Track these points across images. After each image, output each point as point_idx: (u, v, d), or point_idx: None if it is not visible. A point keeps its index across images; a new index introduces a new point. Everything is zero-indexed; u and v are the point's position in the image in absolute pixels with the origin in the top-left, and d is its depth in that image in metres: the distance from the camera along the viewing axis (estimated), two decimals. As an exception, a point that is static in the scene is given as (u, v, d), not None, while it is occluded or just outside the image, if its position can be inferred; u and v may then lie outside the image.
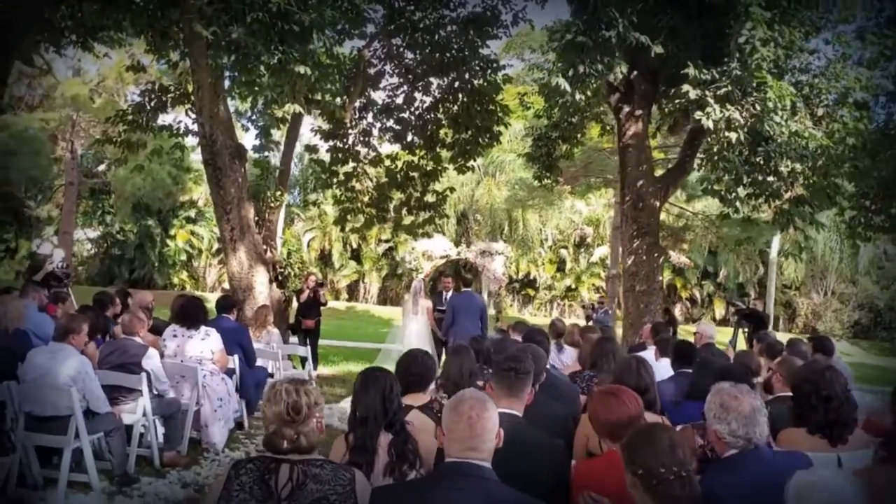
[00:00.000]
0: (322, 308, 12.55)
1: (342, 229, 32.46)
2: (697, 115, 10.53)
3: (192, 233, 33.64)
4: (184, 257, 33.87)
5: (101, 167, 30.17)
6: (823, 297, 33.72)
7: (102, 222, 32.36)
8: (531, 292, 36.35)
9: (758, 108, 10.68)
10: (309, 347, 11.28)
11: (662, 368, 5.88)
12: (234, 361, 7.71)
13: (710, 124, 10.49)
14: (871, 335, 33.15)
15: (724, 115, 10.54)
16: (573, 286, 35.64)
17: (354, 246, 35.71)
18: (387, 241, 33.78)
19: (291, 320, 12.61)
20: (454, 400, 2.55)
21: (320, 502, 2.47)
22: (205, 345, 7.09)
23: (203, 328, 7.22)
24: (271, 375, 8.87)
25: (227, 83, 12.20)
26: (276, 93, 11.55)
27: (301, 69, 10.79)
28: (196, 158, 28.16)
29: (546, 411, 3.80)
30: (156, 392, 6.34)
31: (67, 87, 24.91)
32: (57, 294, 8.17)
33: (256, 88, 11.70)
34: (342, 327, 25.22)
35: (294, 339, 12.17)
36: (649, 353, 6.70)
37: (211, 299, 20.50)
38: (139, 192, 26.83)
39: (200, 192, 33.03)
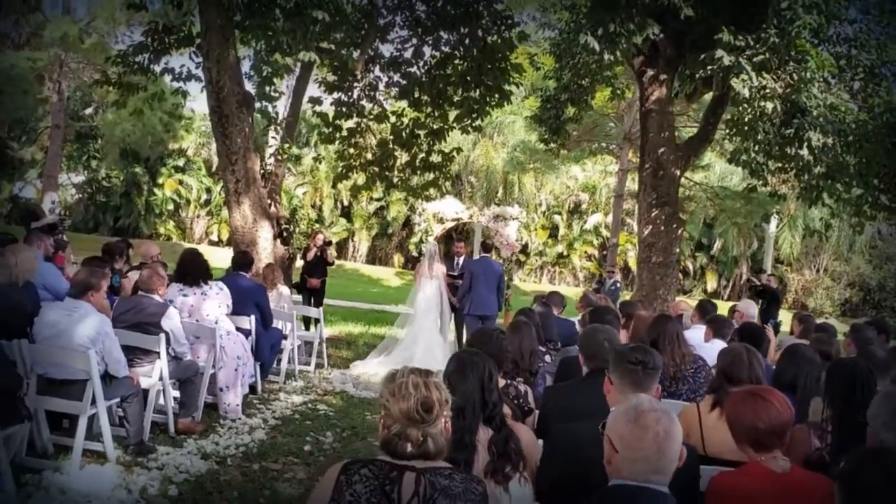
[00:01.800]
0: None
1: (333, 186, 32.10)
2: (734, 82, 10.07)
3: (181, 182, 32.84)
4: (171, 207, 33.09)
5: (89, 110, 29.19)
6: (815, 274, 33.69)
7: (88, 167, 31.43)
8: (522, 258, 36.00)
9: (795, 77, 10.25)
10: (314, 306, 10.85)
11: (714, 351, 5.47)
12: (251, 322, 7.24)
13: (746, 92, 10.04)
14: (860, 313, 33.18)
15: (760, 83, 10.10)
16: (565, 253, 35.32)
17: (345, 203, 35.09)
18: (378, 199, 33.14)
19: (295, 279, 12.13)
20: (632, 410, 2.08)
21: (451, 523, 2.03)
22: (220, 299, 6.60)
23: (214, 283, 6.74)
24: (285, 337, 8.42)
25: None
26: (290, 38, 10.95)
27: (318, 14, 10.21)
28: (188, 106, 27.34)
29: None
30: (173, 354, 5.86)
31: (56, 25, 23.86)
32: (58, 241, 7.61)
33: (270, 33, 11.08)
34: (332, 286, 24.72)
35: (298, 297, 11.71)
36: (696, 334, 6.30)
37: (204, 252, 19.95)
38: (128, 138, 25.93)
39: (191, 141, 32.18)
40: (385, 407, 2.13)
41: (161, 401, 5.94)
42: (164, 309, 5.73)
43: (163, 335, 5.63)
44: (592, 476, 2.35)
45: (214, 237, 33.80)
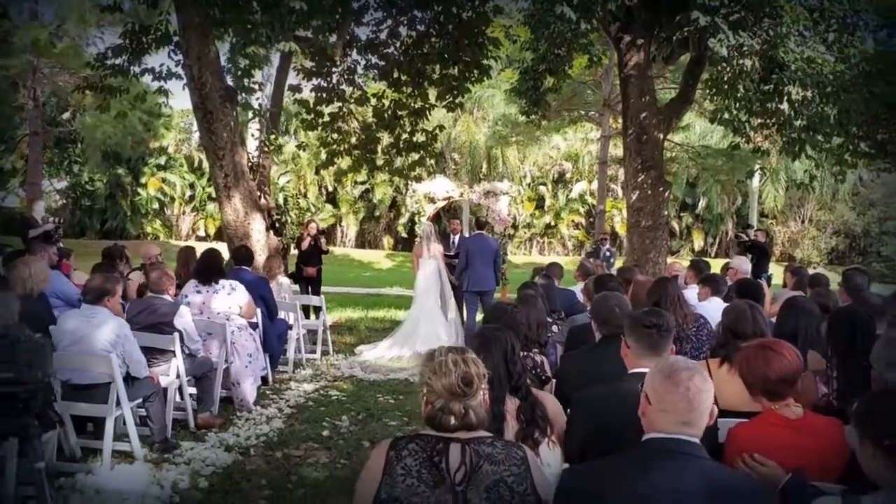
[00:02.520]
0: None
1: (317, 173, 32.07)
2: (711, 42, 10.18)
3: (164, 180, 32.71)
4: (156, 206, 32.99)
5: (66, 115, 28.95)
6: (801, 225, 34.06)
7: (70, 172, 31.24)
8: (511, 231, 36.16)
9: (771, 33, 10.37)
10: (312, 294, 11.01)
11: (712, 309, 5.65)
12: (258, 315, 7.37)
13: (724, 51, 10.16)
14: (847, 261, 33.61)
15: (737, 41, 10.22)
16: (552, 223, 35.51)
17: (330, 189, 35.07)
18: (363, 183, 33.12)
19: (291, 269, 12.25)
20: (666, 367, 2.24)
21: (498, 486, 2.18)
22: (231, 300, 6.76)
23: (226, 282, 6.87)
24: (290, 327, 8.55)
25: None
26: (269, 30, 10.98)
27: (295, 3, 10.22)
28: (159, 100, 27.09)
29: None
30: (187, 352, 5.99)
31: (25, 31, 23.59)
32: (61, 250, 7.69)
33: (249, 26, 11.09)
34: (324, 272, 24.80)
35: (296, 287, 11.83)
36: (691, 293, 6.47)
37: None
38: (109, 141, 25.80)
39: (171, 138, 32.01)
40: (427, 384, 2.27)
41: (179, 398, 6.09)
42: (175, 308, 5.86)
43: (176, 334, 5.76)
44: (617, 435, 2.50)
45: (201, 233, 33.75)
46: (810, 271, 9.62)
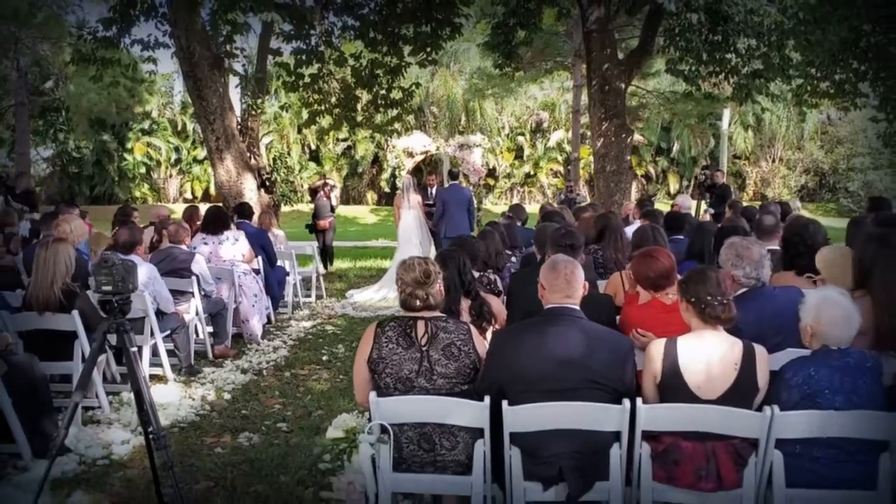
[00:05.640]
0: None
1: (299, 132, 32.74)
2: (659, -2, 11.05)
3: (149, 144, 33.30)
4: (143, 170, 33.63)
5: (49, 84, 29.36)
6: (771, 165, 35.17)
7: (55, 140, 31.75)
8: (491, 182, 37.08)
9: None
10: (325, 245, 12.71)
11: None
12: (259, 262, 8.36)
13: (673, 7, 11.04)
14: (817, 198, 34.90)
15: (684, -5, 11.10)
16: (532, 173, 36.42)
17: (313, 148, 35.75)
18: (344, 140, 33.81)
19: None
20: (550, 262, 3.31)
21: (449, 347, 3.24)
22: (235, 248, 7.74)
23: (230, 233, 7.85)
24: (287, 274, 9.57)
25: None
26: (251, 1, 11.68)
27: (276, -25, 10.96)
28: (147, 69, 27.53)
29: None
30: (203, 293, 7.00)
31: (4, 1, 23.89)
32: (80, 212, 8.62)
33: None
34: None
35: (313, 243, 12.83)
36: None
37: (177, 210, 20.73)
38: (95, 108, 26.35)
39: (154, 103, 32.50)
40: (400, 278, 3.30)
41: (197, 334, 7.14)
42: (192, 256, 6.86)
43: (194, 277, 6.76)
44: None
45: (188, 195, 34.44)
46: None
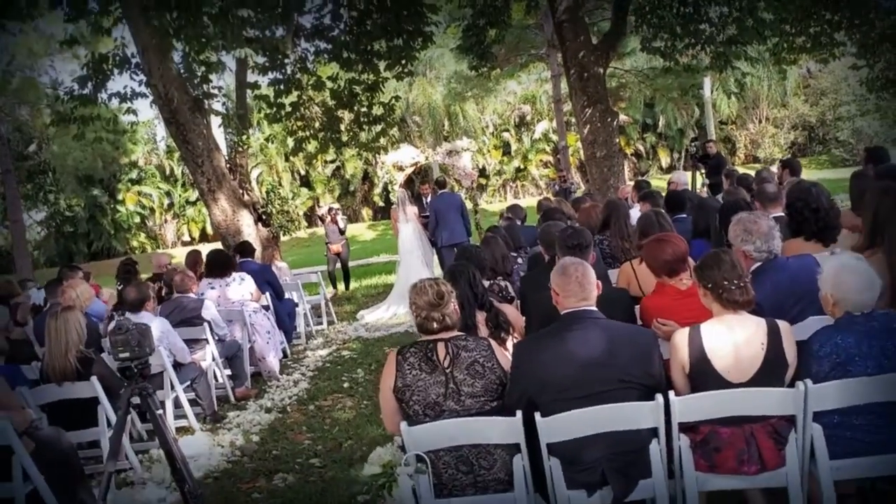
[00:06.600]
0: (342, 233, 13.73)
1: (287, 160, 32.70)
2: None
3: (140, 193, 33.34)
4: (137, 220, 33.66)
5: (32, 147, 29.42)
6: (759, 126, 35.17)
7: (46, 202, 31.80)
8: (482, 181, 37.06)
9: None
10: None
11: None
12: (267, 298, 8.35)
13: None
14: (808, 152, 34.90)
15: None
16: (522, 167, 36.43)
17: (303, 173, 35.77)
18: (332, 161, 33.83)
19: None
20: (560, 267, 3.28)
21: (473, 366, 3.22)
22: (243, 288, 7.74)
23: (235, 274, 7.84)
24: (296, 305, 9.55)
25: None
26: (222, 40, 11.69)
27: (243, 12, 10.98)
28: (128, 119, 27.61)
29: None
30: (217, 338, 6.98)
31: (-23, 73, 24.00)
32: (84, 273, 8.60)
33: (204, 40, 11.81)
34: (313, 253, 25.79)
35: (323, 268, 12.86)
36: (637, 211, 7.49)
37: (177, 255, 20.74)
38: (81, 165, 26.41)
39: (139, 152, 32.54)
40: (414, 303, 3.28)
41: (216, 380, 7.11)
42: (201, 303, 6.85)
43: (206, 324, 6.75)
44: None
45: (186, 238, 34.47)
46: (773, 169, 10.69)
